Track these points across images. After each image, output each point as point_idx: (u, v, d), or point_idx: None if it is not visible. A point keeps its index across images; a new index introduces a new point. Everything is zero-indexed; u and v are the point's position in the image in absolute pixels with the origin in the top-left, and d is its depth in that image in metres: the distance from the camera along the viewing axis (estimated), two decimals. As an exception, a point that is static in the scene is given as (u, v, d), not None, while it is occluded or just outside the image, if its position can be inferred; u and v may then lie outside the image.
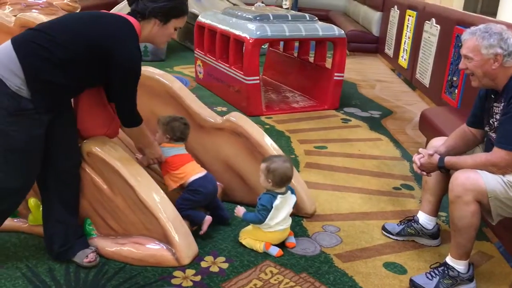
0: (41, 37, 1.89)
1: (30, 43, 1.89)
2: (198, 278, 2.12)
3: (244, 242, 2.36)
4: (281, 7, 8.62)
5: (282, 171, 2.29)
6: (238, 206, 2.42)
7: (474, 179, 1.97)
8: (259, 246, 2.32)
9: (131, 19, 2.04)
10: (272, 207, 2.29)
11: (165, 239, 2.17)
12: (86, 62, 1.95)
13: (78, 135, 2.18)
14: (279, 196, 2.31)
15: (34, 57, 1.87)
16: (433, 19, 4.98)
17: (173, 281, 2.09)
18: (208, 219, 2.38)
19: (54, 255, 2.18)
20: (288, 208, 2.35)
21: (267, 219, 2.29)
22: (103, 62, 1.96)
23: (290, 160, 2.41)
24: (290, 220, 2.39)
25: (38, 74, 1.88)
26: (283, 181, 2.32)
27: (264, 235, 2.33)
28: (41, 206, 2.21)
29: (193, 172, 2.43)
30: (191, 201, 2.37)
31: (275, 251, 2.31)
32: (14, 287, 2.01)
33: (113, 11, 7.04)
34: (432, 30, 5.01)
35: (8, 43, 1.92)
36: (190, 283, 2.08)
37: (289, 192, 2.38)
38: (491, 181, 1.97)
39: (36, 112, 1.90)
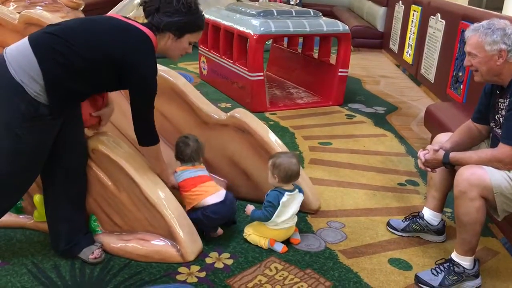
0: (61, 44, 1.87)
1: (50, 49, 1.86)
2: (203, 274, 2.12)
3: (248, 238, 2.36)
4: (288, 3, 8.59)
5: (287, 166, 2.29)
6: (248, 205, 2.41)
7: (480, 174, 1.96)
8: (263, 243, 2.32)
9: (149, 32, 2.02)
10: (279, 203, 2.28)
11: (169, 235, 2.18)
12: (103, 72, 1.96)
13: (84, 133, 2.19)
14: (286, 193, 2.31)
15: (54, 64, 1.85)
16: (438, 14, 4.95)
17: (178, 277, 2.09)
18: (219, 231, 2.39)
19: (60, 252, 2.19)
20: (295, 206, 2.35)
21: (274, 216, 2.28)
22: (120, 73, 1.97)
23: (296, 156, 2.40)
24: (296, 219, 2.38)
25: (57, 80, 1.87)
26: (288, 176, 2.30)
27: (269, 232, 2.32)
28: (46, 202, 2.22)
29: (206, 194, 2.30)
30: (202, 223, 2.30)
31: (279, 247, 2.31)
32: (20, 283, 2.01)
33: (116, 8, 6.99)
34: (437, 25, 4.98)
35: (26, 45, 1.88)
36: (195, 279, 2.08)
37: (297, 190, 2.37)
38: (496, 177, 1.96)
39: (52, 118, 1.90)
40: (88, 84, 1.98)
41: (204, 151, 2.50)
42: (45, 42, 1.88)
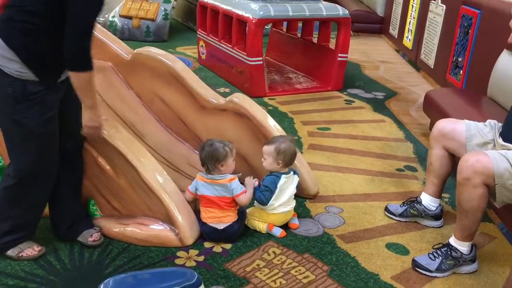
0: (15, 11, 1.78)
1: (10, 22, 1.78)
2: (201, 258, 2.13)
3: (247, 223, 2.36)
4: None
5: (292, 150, 2.33)
6: (256, 180, 2.36)
7: (485, 162, 1.94)
8: (262, 227, 2.33)
9: None
10: (276, 188, 2.29)
11: (168, 219, 2.18)
12: (59, 7, 1.77)
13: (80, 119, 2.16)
14: (283, 176, 2.32)
15: (20, 35, 1.78)
16: (439, -2, 4.91)
17: (177, 261, 2.11)
18: None
19: (60, 236, 2.20)
20: (291, 189, 2.36)
21: (272, 200, 2.29)
22: None
23: (292, 138, 2.44)
24: (294, 203, 2.39)
25: (31, 50, 1.79)
26: (291, 160, 2.35)
27: (267, 216, 2.33)
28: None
29: (210, 220, 2.22)
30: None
31: (278, 232, 2.32)
32: (19, 266, 2.02)
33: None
34: (437, 10, 4.94)
35: None
36: (194, 263, 2.09)
37: (291, 172, 2.38)
38: (500, 167, 1.93)
39: (46, 93, 1.85)
40: (56, 39, 1.80)
41: (226, 158, 2.22)
42: (3, 18, 1.80)
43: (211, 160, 2.21)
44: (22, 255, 2.05)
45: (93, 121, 1.98)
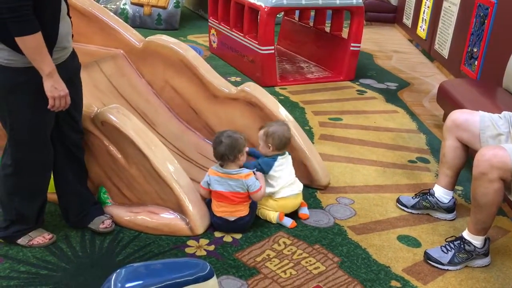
0: None
1: None
2: (211, 247, 2.13)
3: (257, 213, 2.35)
4: None
5: (280, 133, 2.31)
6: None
7: (502, 156, 1.91)
8: (272, 217, 2.32)
9: None
10: (270, 169, 2.29)
11: (179, 208, 2.18)
12: None
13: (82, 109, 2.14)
14: (279, 157, 2.33)
15: (1, 23, 1.67)
16: (455, -13, 4.82)
17: (187, 250, 2.11)
18: None
19: (71, 223, 2.22)
20: (289, 167, 2.36)
21: (276, 186, 2.30)
22: None
23: (287, 123, 2.42)
24: (300, 185, 2.38)
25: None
26: (282, 144, 2.33)
27: (275, 203, 2.32)
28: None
29: (221, 213, 2.21)
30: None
31: (288, 222, 2.31)
32: (30, 253, 2.04)
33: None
34: (453, -1, 4.85)
35: None
36: (204, 253, 2.10)
37: (286, 153, 2.39)
38: None
39: (36, 81, 1.78)
40: (38, 15, 1.73)
41: (242, 145, 2.22)
42: None
43: (232, 152, 2.17)
44: (32, 243, 2.07)
45: (57, 90, 1.80)
